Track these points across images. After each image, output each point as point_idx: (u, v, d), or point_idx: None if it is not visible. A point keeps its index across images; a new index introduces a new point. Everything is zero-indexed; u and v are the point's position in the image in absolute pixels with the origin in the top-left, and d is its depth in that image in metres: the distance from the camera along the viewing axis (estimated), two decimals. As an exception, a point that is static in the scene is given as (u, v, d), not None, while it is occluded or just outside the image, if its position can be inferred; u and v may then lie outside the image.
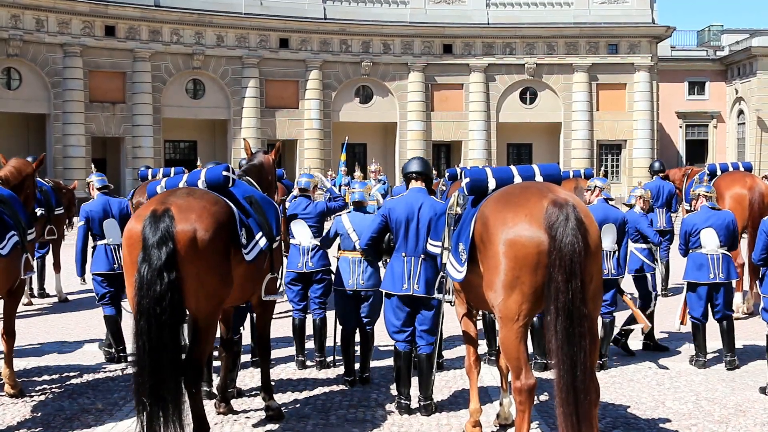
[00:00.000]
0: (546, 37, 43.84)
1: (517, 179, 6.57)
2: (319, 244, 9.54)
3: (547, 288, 5.51)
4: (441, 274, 7.13)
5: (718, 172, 14.55)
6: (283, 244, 9.53)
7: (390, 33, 43.03)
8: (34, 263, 12.05)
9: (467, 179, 6.61)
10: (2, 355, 8.56)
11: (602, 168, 42.82)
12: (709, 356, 9.98)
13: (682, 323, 10.07)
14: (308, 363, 9.71)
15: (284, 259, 9.60)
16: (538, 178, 6.64)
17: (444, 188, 13.24)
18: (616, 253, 9.74)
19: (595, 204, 9.97)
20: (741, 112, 50.66)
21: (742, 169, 15.00)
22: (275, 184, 8.78)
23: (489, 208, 6.08)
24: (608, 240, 9.69)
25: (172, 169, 14.37)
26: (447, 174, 12.13)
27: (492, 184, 6.51)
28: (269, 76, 42.07)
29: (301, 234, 9.55)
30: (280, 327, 11.02)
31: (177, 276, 5.96)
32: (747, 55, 49.10)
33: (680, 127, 51.12)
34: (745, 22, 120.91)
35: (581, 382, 5.35)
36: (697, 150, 50.91)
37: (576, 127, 44.35)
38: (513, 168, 6.74)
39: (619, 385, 8.95)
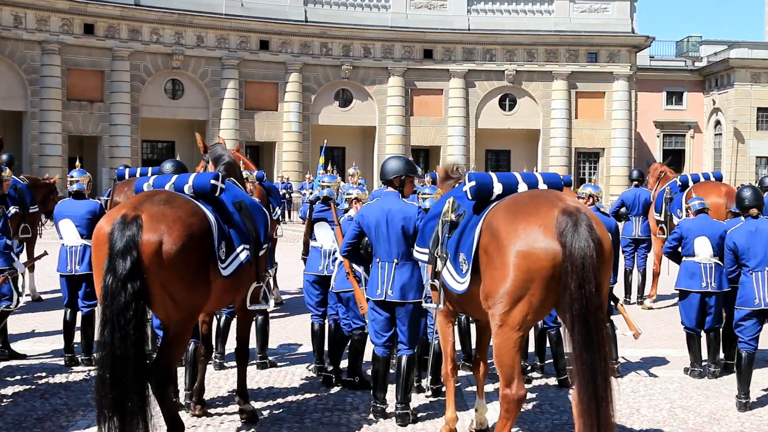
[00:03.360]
0: (526, 44, 44.04)
1: (522, 186, 6.44)
2: None
3: (561, 297, 5.44)
4: (429, 282, 6.95)
5: (690, 183, 14.70)
6: (303, 246, 9.49)
7: (371, 37, 43.09)
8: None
9: (472, 183, 6.39)
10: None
11: (586, 176, 43.12)
12: (680, 365, 10.03)
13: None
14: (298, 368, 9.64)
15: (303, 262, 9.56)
16: (542, 186, 6.52)
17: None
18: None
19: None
20: (718, 122, 51.12)
21: (713, 179, 15.14)
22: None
23: (498, 218, 5.91)
24: None
25: (150, 168, 14.25)
26: (429, 178, 11.83)
27: (498, 189, 6.35)
28: (249, 78, 42.02)
29: (324, 237, 9.44)
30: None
31: (141, 286, 5.86)
32: (725, 67, 49.59)
33: (658, 136, 51.51)
34: (723, 33, 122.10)
35: (602, 390, 5.28)
36: (675, 159, 51.15)
37: (554, 135, 44.62)
38: (517, 174, 6.61)
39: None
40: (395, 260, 7.55)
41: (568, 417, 7.51)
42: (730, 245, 8.85)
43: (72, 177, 10.24)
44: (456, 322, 7.36)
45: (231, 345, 8.88)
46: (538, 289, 5.52)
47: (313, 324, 9.47)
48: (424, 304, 7.22)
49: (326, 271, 9.27)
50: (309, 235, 9.52)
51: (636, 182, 16.22)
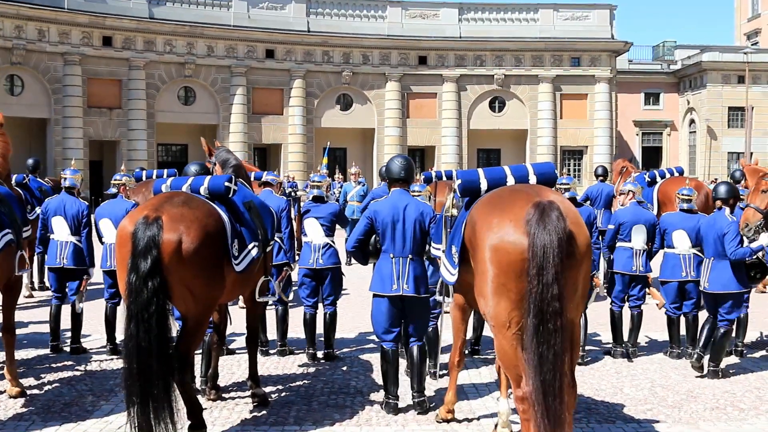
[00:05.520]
0: (514, 50, 44.02)
1: (510, 180, 6.06)
2: (330, 242, 9.42)
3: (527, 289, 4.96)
4: (441, 277, 6.68)
5: (658, 179, 14.75)
6: (296, 242, 9.56)
7: (369, 45, 43.06)
8: (34, 258, 11.90)
9: (459, 181, 6.16)
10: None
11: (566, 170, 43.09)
12: (660, 347, 10.05)
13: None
14: (298, 354, 9.66)
15: (296, 257, 9.67)
16: (532, 178, 6.10)
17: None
18: (645, 252, 9.86)
19: (627, 206, 10.20)
20: (692, 121, 51.09)
21: (676, 174, 15.18)
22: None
23: (477, 211, 5.58)
24: (640, 239, 9.82)
25: (165, 170, 14.29)
26: (423, 177, 11.43)
27: (484, 185, 6.05)
28: (256, 84, 42.00)
29: (314, 232, 9.46)
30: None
31: (162, 283, 5.91)
32: (698, 69, 49.55)
33: (637, 134, 51.47)
34: (696, 38, 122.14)
35: (551, 383, 4.80)
36: (653, 156, 51.28)
37: (541, 134, 44.63)
38: (506, 168, 6.21)
39: (580, 373, 8.92)
40: (410, 256, 7.29)
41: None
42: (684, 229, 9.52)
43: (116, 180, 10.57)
44: (469, 318, 7.01)
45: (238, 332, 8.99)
46: (513, 283, 5.04)
47: (305, 314, 9.58)
48: (437, 297, 6.99)
49: (316, 265, 9.34)
50: (300, 231, 9.58)
51: (601, 177, 16.40)
